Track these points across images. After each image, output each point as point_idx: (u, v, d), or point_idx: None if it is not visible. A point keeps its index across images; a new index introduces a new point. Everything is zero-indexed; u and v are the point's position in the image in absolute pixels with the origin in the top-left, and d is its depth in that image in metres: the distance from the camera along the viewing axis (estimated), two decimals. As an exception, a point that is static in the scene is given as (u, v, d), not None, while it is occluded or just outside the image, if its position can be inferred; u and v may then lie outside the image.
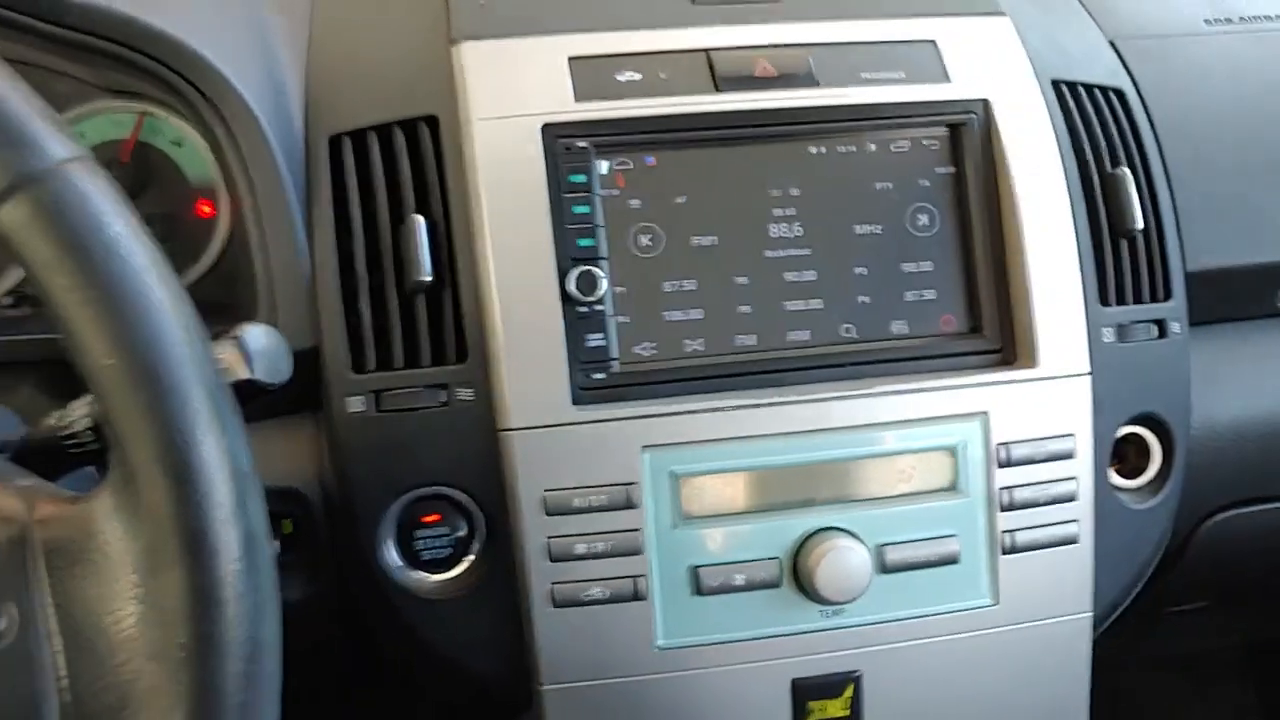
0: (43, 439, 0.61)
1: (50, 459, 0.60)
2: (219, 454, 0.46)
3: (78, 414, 0.59)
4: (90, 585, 0.46)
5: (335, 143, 0.80)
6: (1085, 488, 0.81)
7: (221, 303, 0.82)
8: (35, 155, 0.46)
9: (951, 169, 0.83)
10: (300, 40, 0.87)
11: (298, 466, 0.79)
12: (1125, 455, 0.87)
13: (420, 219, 0.77)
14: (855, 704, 0.80)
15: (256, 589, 0.46)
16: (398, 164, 0.79)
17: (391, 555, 0.77)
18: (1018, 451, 0.80)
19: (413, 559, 0.77)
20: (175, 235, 0.86)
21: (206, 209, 0.86)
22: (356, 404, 0.76)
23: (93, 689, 0.45)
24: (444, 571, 0.78)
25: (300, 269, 0.78)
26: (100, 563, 0.46)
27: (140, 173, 0.86)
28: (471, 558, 0.78)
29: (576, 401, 0.76)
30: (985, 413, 0.79)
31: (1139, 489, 0.87)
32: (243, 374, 0.59)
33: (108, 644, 0.45)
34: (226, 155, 0.80)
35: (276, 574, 0.48)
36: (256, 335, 0.60)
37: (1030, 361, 0.80)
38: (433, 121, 0.80)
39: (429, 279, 0.76)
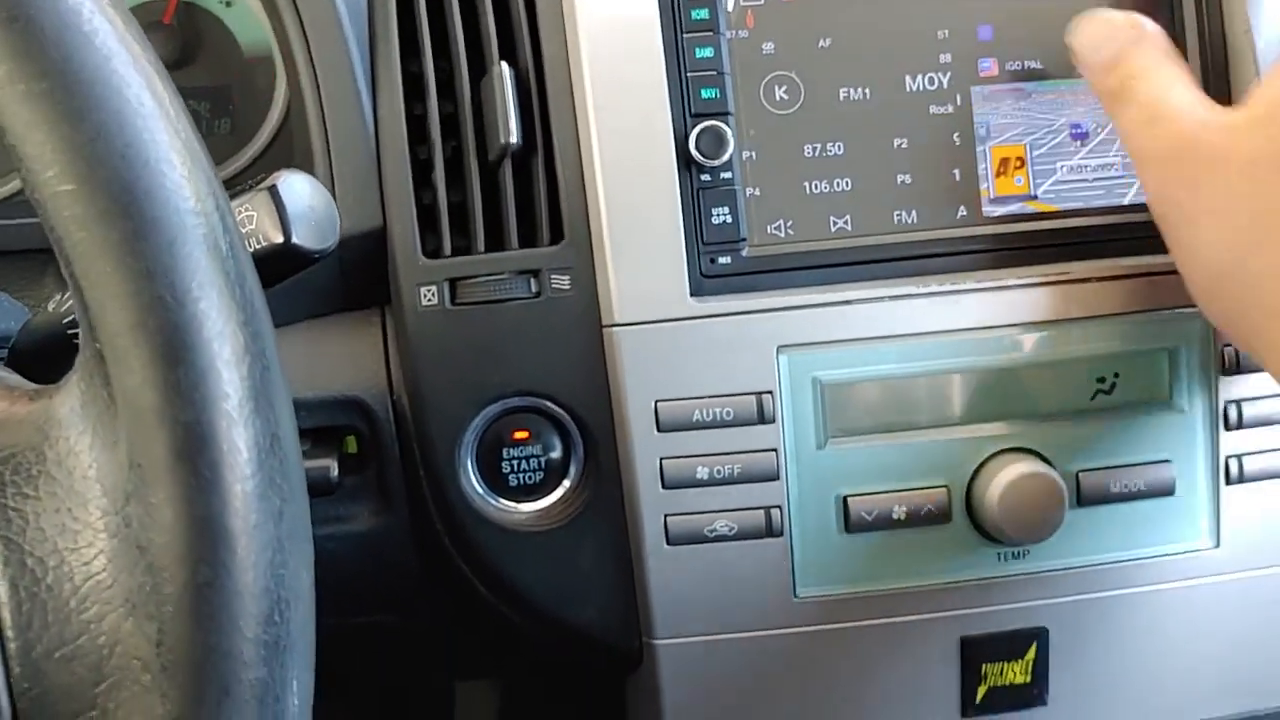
0: (43, 330, 0.48)
1: (52, 355, 0.47)
2: (224, 317, 0.32)
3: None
4: (48, 510, 0.33)
5: None
6: (1333, 400, 0.64)
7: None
8: None
9: None
10: None
11: (363, 373, 0.66)
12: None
13: (507, 68, 0.62)
14: (1039, 668, 0.65)
15: (278, 515, 0.33)
16: (479, 4, 0.65)
17: (472, 480, 0.64)
18: (1249, 357, 0.63)
19: (498, 484, 0.65)
20: (226, 110, 0.76)
21: (263, 79, 0.75)
22: (429, 295, 0.63)
23: (51, 655, 0.32)
24: (535, 500, 0.65)
25: (365, 138, 0.66)
26: (61, 479, 0.33)
27: (186, 37, 0.76)
28: (568, 483, 0.65)
29: (696, 292, 0.62)
30: (1209, 307, 0.63)
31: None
32: (276, 236, 0.45)
33: (72, 591, 0.32)
34: (282, 13, 0.68)
35: (306, 496, 0.34)
36: (297, 187, 0.46)
37: None
38: None
39: (517, 142, 0.62)
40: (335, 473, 0.65)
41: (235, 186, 0.75)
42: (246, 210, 0.45)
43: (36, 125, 0.32)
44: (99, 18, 0.33)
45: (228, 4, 0.76)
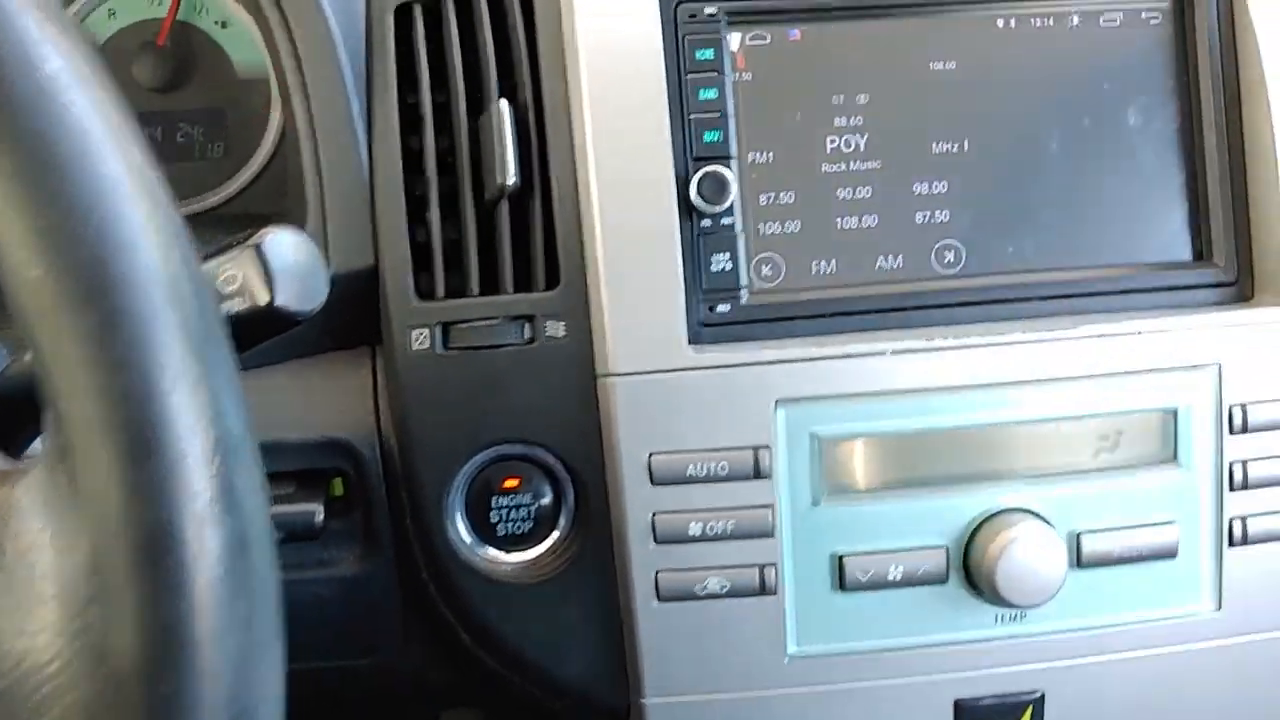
0: (13, 384, 0.47)
1: (20, 411, 0.45)
2: (196, 412, 0.31)
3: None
4: (6, 609, 0.31)
5: (403, 12, 0.65)
6: (1343, 462, 0.63)
7: (270, 214, 0.68)
8: None
9: (1177, 49, 0.65)
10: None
11: (350, 415, 0.65)
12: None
13: (506, 105, 0.61)
14: (1035, 732, 0.64)
15: (247, 622, 0.31)
16: (479, 37, 0.63)
17: (460, 528, 0.63)
18: (1257, 414, 0.63)
19: (486, 533, 0.63)
20: (220, 134, 0.76)
21: (257, 102, 0.75)
22: (421, 338, 0.61)
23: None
24: (523, 550, 0.63)
25: (359, 172, 0.64)
26: (21, 575, 0.31)
27: (181, 59, 0.75)
28: (557, 534, 0.63)
29: (695, 340, 0.60)
30: (1217, 364, 0.62)
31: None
32: (261, 297, 0.43)
33: (28, 696, 0.30)
34: (276, 37, 0.66)
35: (278, 595, 0.33)
36: (282, 245, 0.44)
37: (1276, 298, 0.63)
38: None
39: (515, 181, 0.60)
40: (320, 518, 0.63)
41: (225, 217, 0.74)
42: (230, 270, 0.43)
43: (4, 203, 0.30)
44: (77, 88, 0.32)
45: (223, 25, 0.75)
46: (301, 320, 0.45)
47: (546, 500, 0.63)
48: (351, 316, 0.64)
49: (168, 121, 0.75)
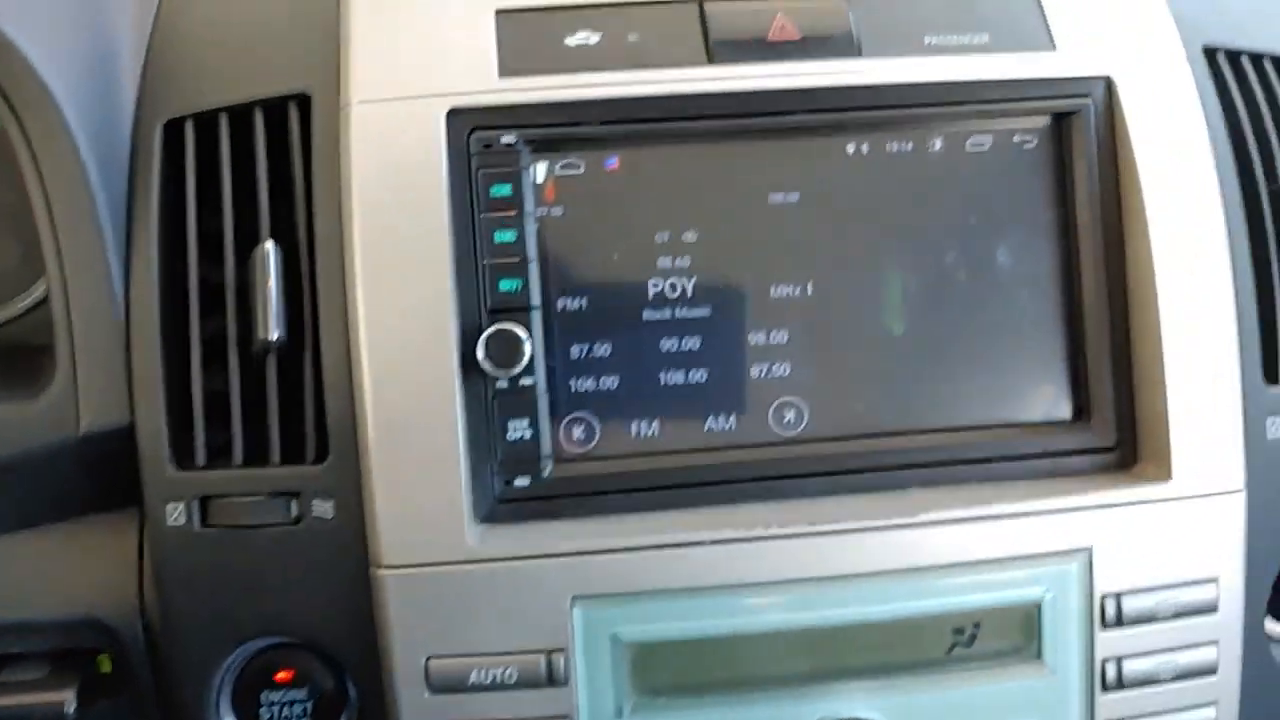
0: None
1: None
2: None
3: None
4: None
5: (172, 131, 0.57)
6: (1230, 654, 0.57)
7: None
8: None
9: (1053, 179, 0.58)
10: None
11: (110, 590, 0.57)
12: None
13: (273, 247, 0.53)
14: None
15: None
16: (255, 163, 0.55)
17: (225, 726, 0.55)
18: (1133, 605, 0.55)
19: (255, 732, 0.55)
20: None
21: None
22: (177, 513, 0.53)
23: None
24: (297, 755, 0.55)
25: (116, 317, 0.56)
26: None
27: None
28: (337, 736, 0.55)
29: (489, 519, 0.53)
30: (1087, 549, 0.55)
31: (1305, 639, 0.61)
32: None
33: None
34: (20, 157, 0.57)
35: None
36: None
37: (1159, 469, 0.57)
38: (304, 102, 0.56)
39: (278, 337, 0.52)
40: (72, 708, 0.55)
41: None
42: None
43: None
44: None
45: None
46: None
47: (328, 691, 0.55)
48: (110, 478, 0.56)
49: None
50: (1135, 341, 0.57)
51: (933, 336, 0.56)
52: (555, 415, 0.55)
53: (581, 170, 0.55)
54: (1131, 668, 0.55)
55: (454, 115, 0.54)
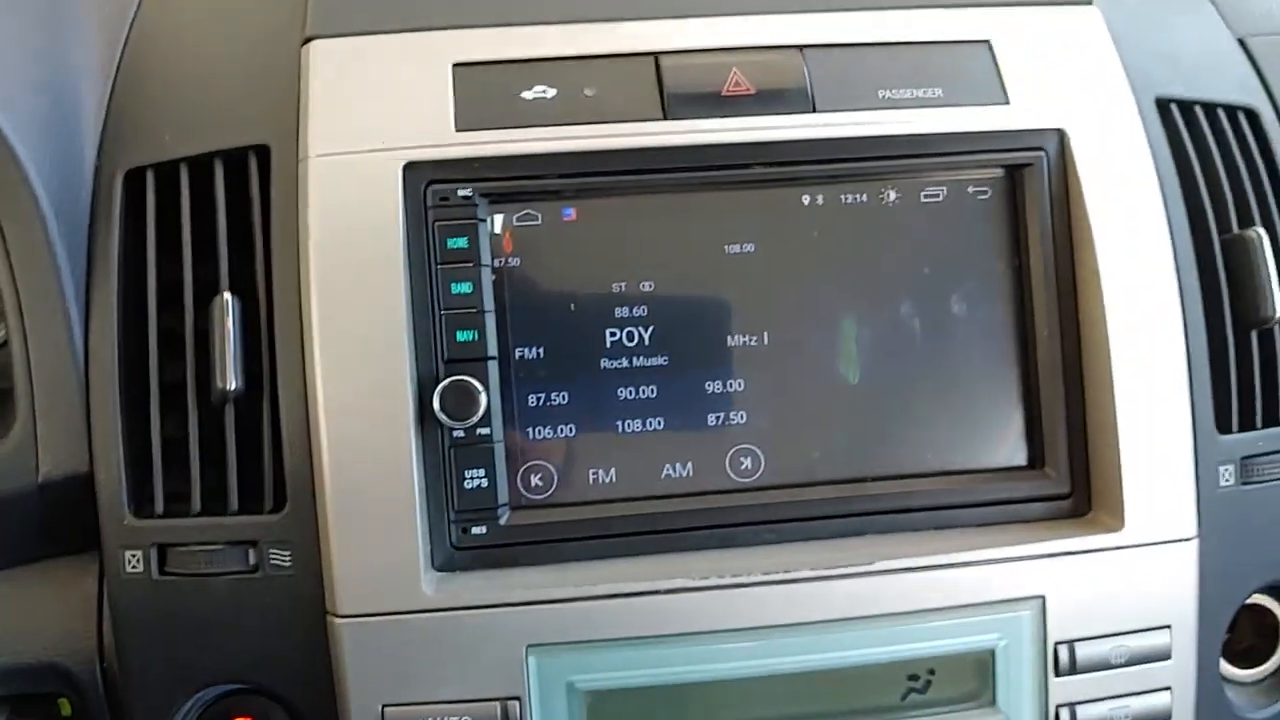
0: None
1: None
2: None
3: None
4: None
5: (133, 181, 0.57)
6: (1184, 699, 0.57)
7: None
8: None
9: (1007, 229, 0.59)
10: (115, 44, 0.63)
11: (69, 635, 0.57)
12: (1238, 626, 0.61)
13: (231, 298, 0.53)
14: None
15: None
16: (215, 214, 0.56)
17: (182, 774, 0.55)
18: (1086, 652, 0.56)
19: (212, 781, 0.55)
20: None
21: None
22: (134, 561, 0.54)
23: None
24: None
25: (75, 364, 0.56)
26: None
27: None
28: (292, 785, 0.55)
29: (446, 566, 0.54)
30: (1041, 597, 0.55)
31: (1259, 682, 0.61)
32: None
33: None
34: None
35: None
36: None
37: (1112, 518, 0.57)
38: (264, 153, 0.56)
39: (236, 387, 0.53)
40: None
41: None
42: None
43: None
44: None
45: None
46: None
47: (287, 739, 0.55)
48: (69, 523, 0.56)
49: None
50: (1088, 390, 0.57)
51: (888, 385, 0.57)
52: (512, 463, 0.55)
53: (539, 221, 0.56)
54: (1085, 713, 0.55)
55: (411, 168, 0.54)
